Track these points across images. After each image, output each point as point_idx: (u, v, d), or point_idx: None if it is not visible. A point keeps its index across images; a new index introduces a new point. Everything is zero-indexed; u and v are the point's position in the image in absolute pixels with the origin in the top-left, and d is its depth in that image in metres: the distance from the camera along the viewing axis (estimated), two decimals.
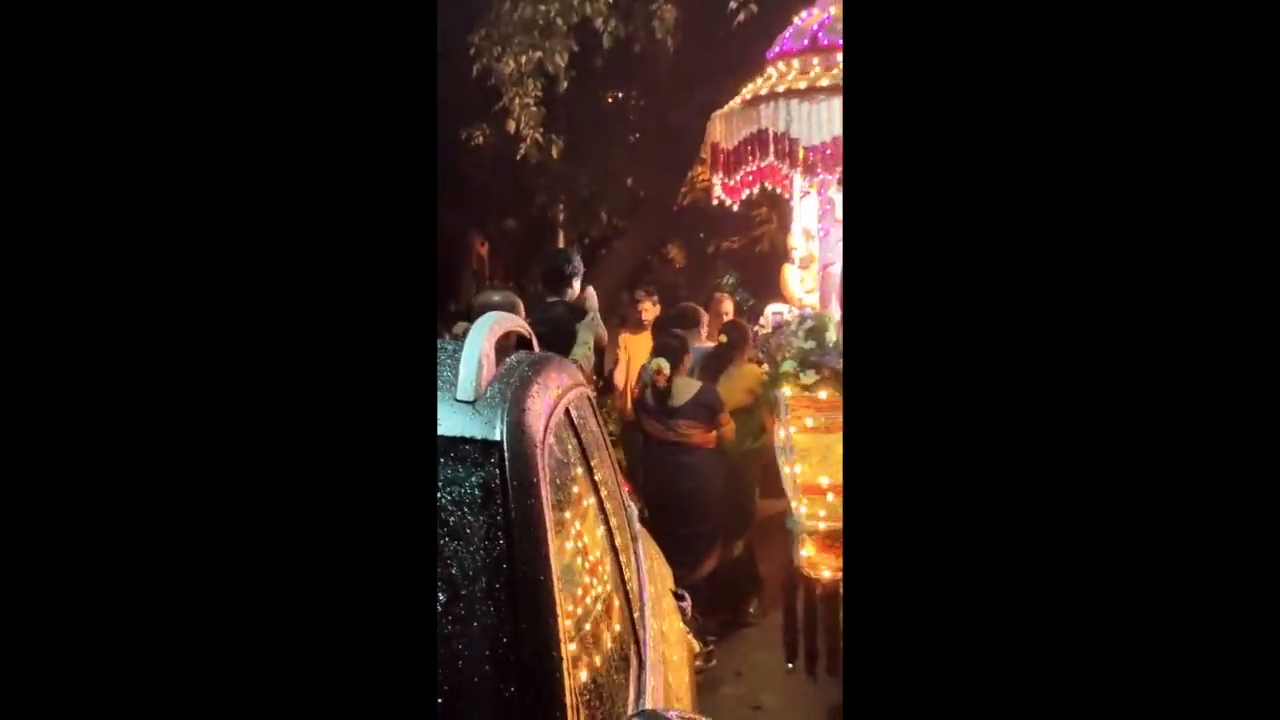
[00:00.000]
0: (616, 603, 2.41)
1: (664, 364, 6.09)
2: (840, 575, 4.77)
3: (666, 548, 5.92)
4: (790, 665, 5.07)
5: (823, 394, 4.77)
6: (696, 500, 6.04)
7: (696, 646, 4.35)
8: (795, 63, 6.41)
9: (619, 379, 8.04)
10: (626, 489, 5.40)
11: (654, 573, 3.25)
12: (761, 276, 11.69)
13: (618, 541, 2.65)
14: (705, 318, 7.44)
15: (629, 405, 7.48)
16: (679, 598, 3.51)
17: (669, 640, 2.86)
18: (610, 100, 12.06)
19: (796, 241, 7.26)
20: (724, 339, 6.54)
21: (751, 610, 6.31)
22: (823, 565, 4.78)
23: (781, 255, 7.28)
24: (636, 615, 2.59)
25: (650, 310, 8.29)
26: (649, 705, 2.22)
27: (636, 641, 2.47)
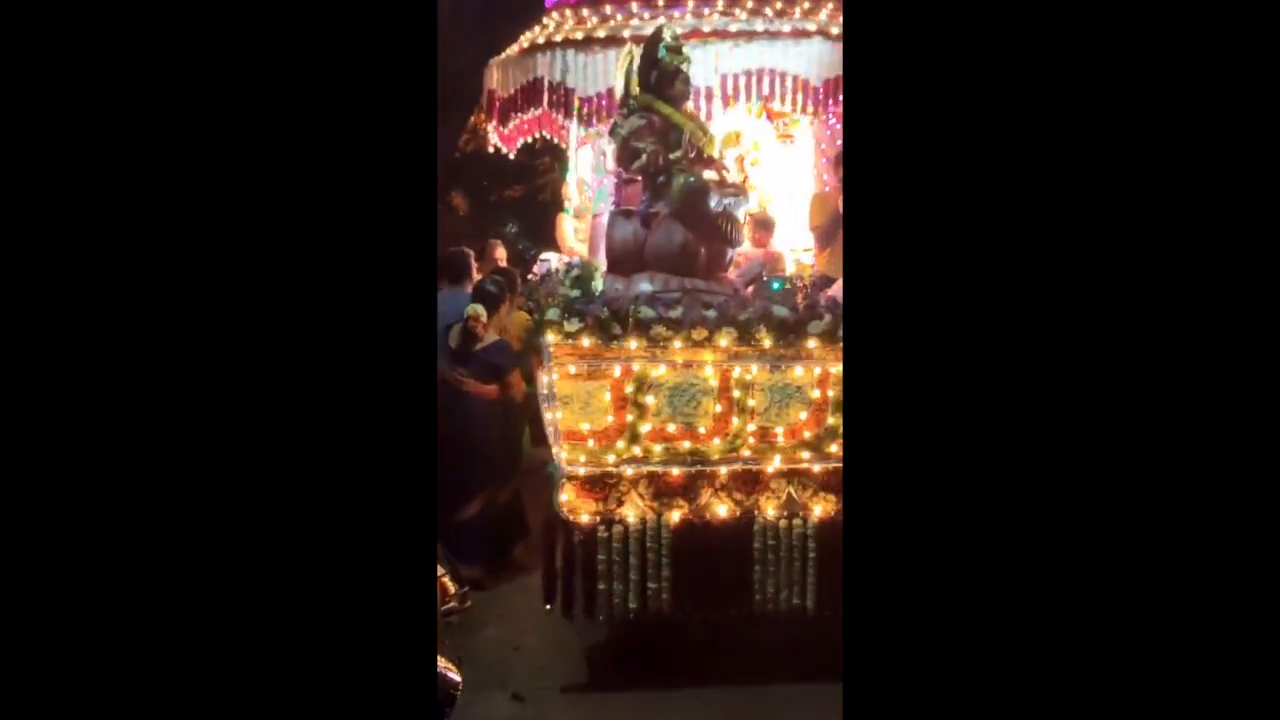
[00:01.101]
0: None
1: (480, 309, 6.09)
2: (597, 519, 4.87)
3: (438, 489, 5.93)
4: (549, 607, 5.16)
5: (585, 341, 4.84)
6: (464, 446, 6.06)
7: (451, 588, 4.39)
8: (573, 13, 6.43)
9: None
10: None
11: None
12: (543, 225, 11.69)
13: None
14: (474, 265, 7.42)
15: None
16: None
17: None
18: None
19: (571, 192, 7.31)
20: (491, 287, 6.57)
21: (517, 554, 6.39)
22: (581, 509, 4.87)
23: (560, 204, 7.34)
24: None
25: None
26: None
27: None
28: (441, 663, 1.85)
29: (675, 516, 4.90)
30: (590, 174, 6.98)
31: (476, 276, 7.19)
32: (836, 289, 5.51)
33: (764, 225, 6.65)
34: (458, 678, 1.82)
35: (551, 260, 6.81)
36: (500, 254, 8.34)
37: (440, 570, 4.01)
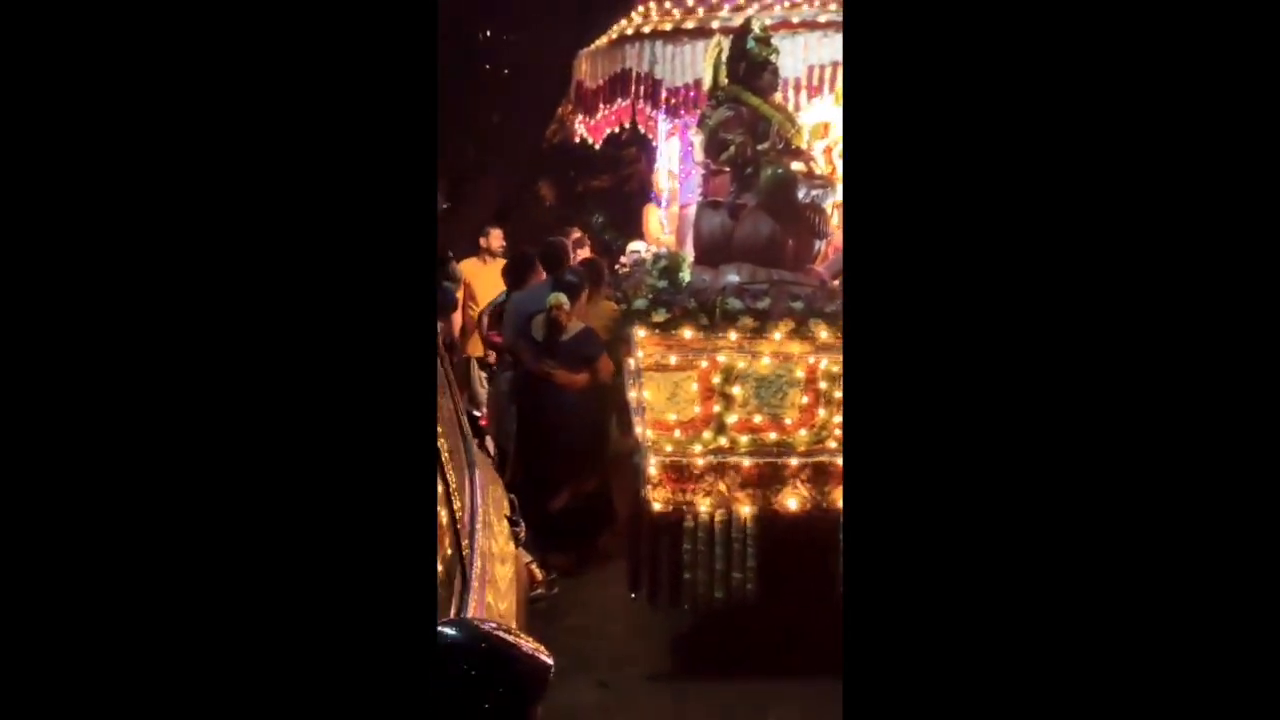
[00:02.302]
0: (443, 524, 2.48)
1: (563, 299, 6.13)
2: (682, 509, 4.89)
3: (527, 479, 6.01)
4: (634, 595, 5.20)
5: (673, 332, 4.87)
6: (559, 437, 6.14)
7: (539, 575, 4.45)
8: (661, 5, 6.45)
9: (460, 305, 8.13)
10: (482, 419, 5.44)
11: (489, 497, 3.33)
12: (629, 216, 11.75)
13: (449, 468, 2.71)
14: (571, 255, 7.49)
15: (482, 330, 7.54)
16: (513, 524, 3.59)
17: (497, 561, 2.94)
18: (480, 37, 11.93)
19: (662, 182, 7.34)
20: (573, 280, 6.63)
21: (602, 543, 6.45)
22: (667, 499, 4.90)
23: (648, 195, 7.36)
24: (465, 540, 2.66)
25: (496, 239, 8.34)
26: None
27: (462, 562, 2.54)
28: (532, 645, 1.88)
29: (760, 507, 4.91)
30: (678, 165, 6.98)
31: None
32: None
33: None
34: (550, 660, 1.84)
35: (640, 250, 6.84)
36: (582, 246, 8.37)
37: (528, 558, 4.08)
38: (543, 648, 1.93)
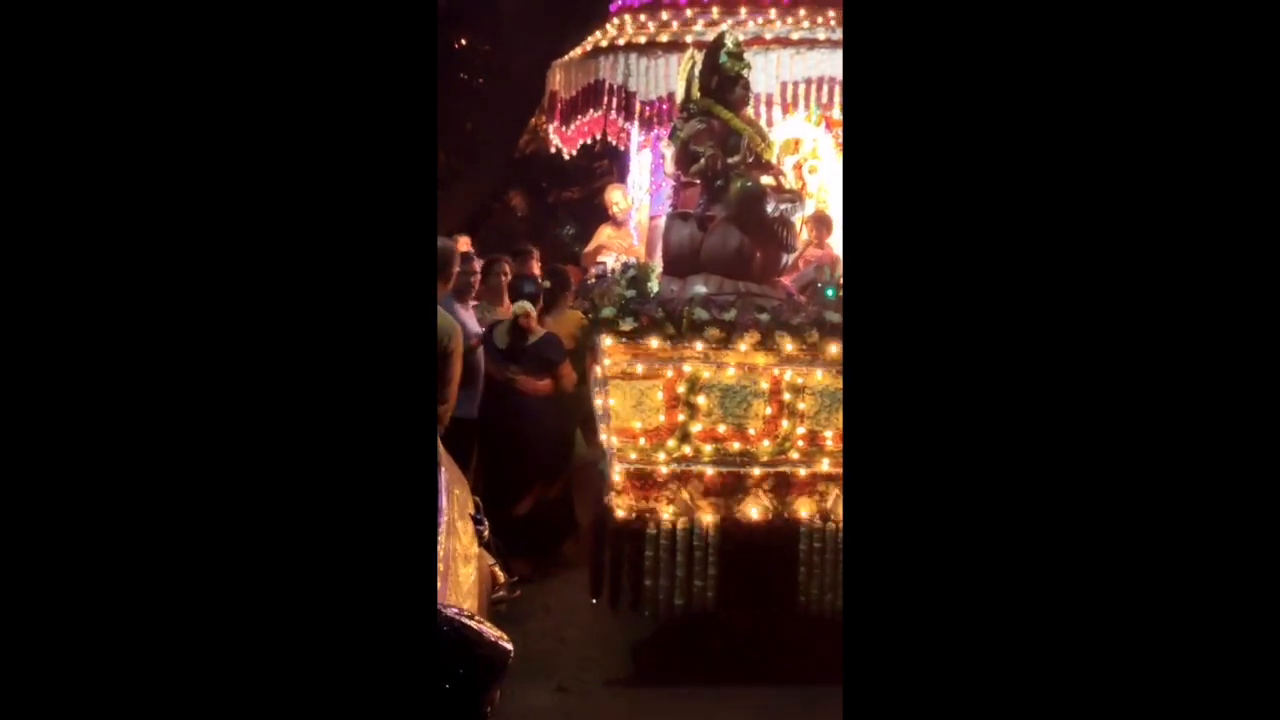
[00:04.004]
0: None
1: (528, 306, 6.17)
2: (645, 516, 4.93)
3: (490, 485, 6.02)
4: (595, 601, 5.24)
5: (640, 341, 4.92)
6: (522, 443, 6.16)
7: (501, 578, 4.48)
8: (636, 18, 6.51)
9: None
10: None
11: (454, 499, 3.36)
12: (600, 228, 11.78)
13: None
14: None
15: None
16: (477, 522, 3.63)
17: (461, 561, 2.97)
18: (455, 46, 11.96)
19: (618, 201, 7.42)
20: (547, 284, 6.65)
21: (566, 550, 6.47)
22: (630, 506, 4.95)
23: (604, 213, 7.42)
24: None
25: (464, 247, 8.21)
26: None
27: None
28: (493, 631, 1.92)
29: (722, 516, 4.96)
30: (648, 177, 7.05)
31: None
32: None
33: (823, 224, 6.70)
34: (510, 647, 1.88)
35: (608, 261, 6.89)
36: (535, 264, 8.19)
37: (491, 560, 4.11)
38: (504, 635, 1.97)
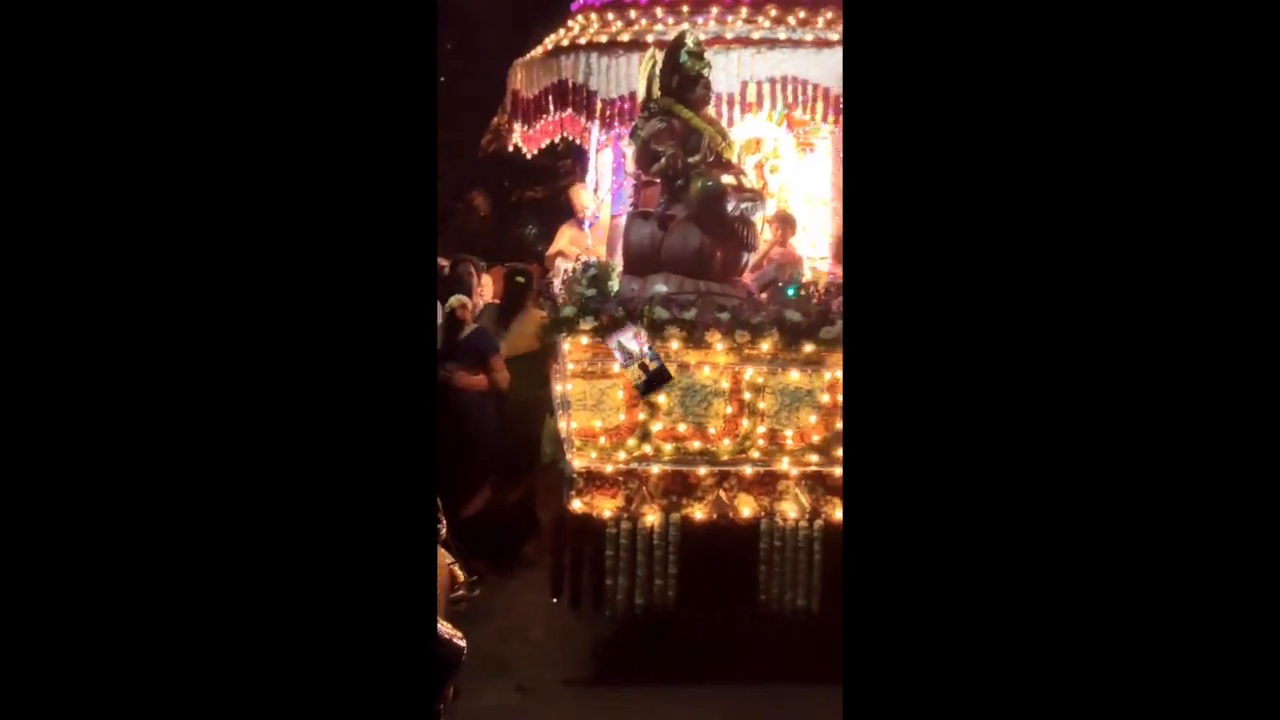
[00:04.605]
0: None
1: (464, 299, 6.16)
2: (606, 515, 4.92)
3: (444, 484, 5.98)
4: (555, 600, 5.23)
5: (600, 340, 4.91)
6: (462, 441, 6.13)
7: (460, 576, 4.45)
8: (597, 16, 6.50)
9: None
10: None
11: None
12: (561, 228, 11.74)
13: None
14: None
15: None
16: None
17: None
18: None
19: (585, 201, 7.40)
20: (520, 280, 6.64)
21: (527, 550, 6.45)
22: (591, 505, 4.94)
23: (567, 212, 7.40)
24: None
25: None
26: None
27: None
28: (447, 629, 1.91)
29: (683, 515, 4.96)
30: (610, 177, 7.03)
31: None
32: None
33: (786, 223, 6.70)
34: (464, 644, 1.88)
35: (568, 264, 6.87)
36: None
37: (450, 559, 4.08)
38: (458, 633, 1.96)
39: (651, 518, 4.94)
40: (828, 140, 6.97)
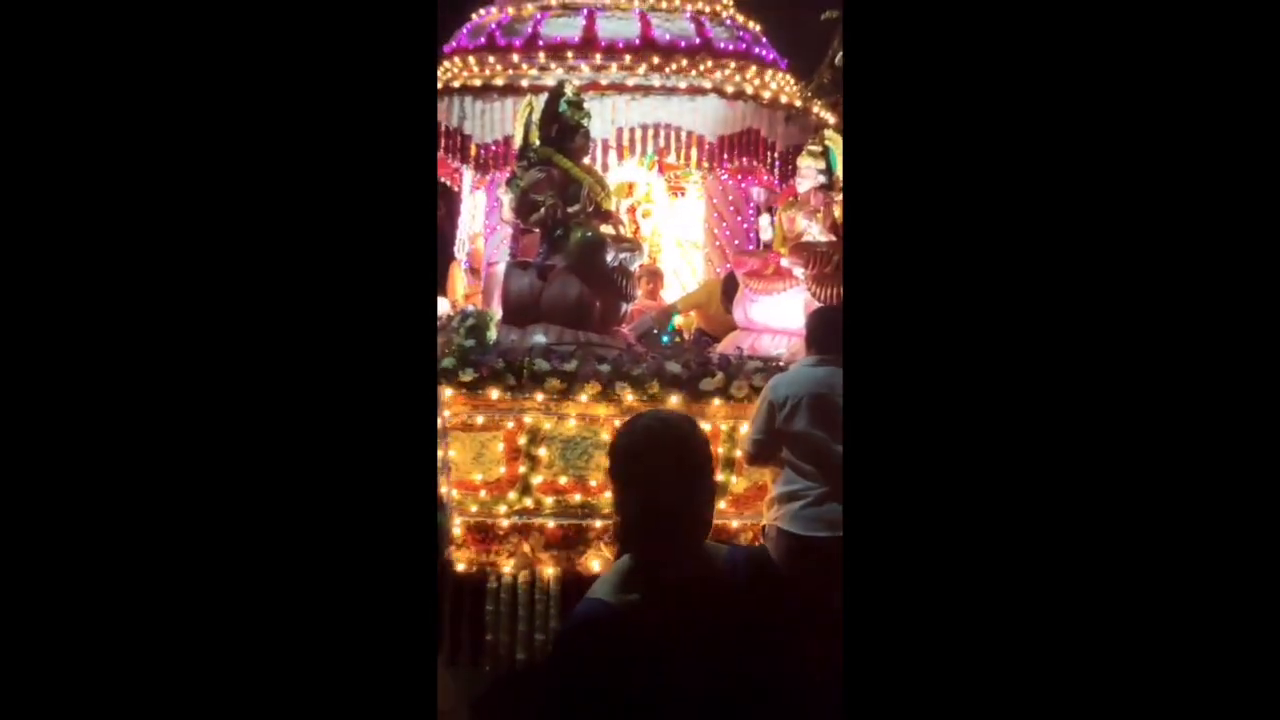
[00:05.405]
0: None
1: None
2: (486, 569, 4.87)
3: None
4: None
5: (480, 392, 4.86)
6: None
7: None
8: (472, 60, 6.47)
9: None
10: None
11: None
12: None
13: None
14: None
15: None
16: None
17: None
18: None
19: (465, 240, 7.34)
20: None
21: None
22: (470, 559, 4.88)
23: (449, 251, 7.34)
24: None
25: None
26: None
27: None
28: None
29: (564, 569, 4.93)
30: (483, 220, 6.99)
31: None
32: (724, 345, 5.63)
33: (654, 275, 6.75)
34: None
35: (445, 309, 6.80)
36: None
37: None
38: None
39: (532, 572, 4.90)
40: (699, 185, 7.07)
